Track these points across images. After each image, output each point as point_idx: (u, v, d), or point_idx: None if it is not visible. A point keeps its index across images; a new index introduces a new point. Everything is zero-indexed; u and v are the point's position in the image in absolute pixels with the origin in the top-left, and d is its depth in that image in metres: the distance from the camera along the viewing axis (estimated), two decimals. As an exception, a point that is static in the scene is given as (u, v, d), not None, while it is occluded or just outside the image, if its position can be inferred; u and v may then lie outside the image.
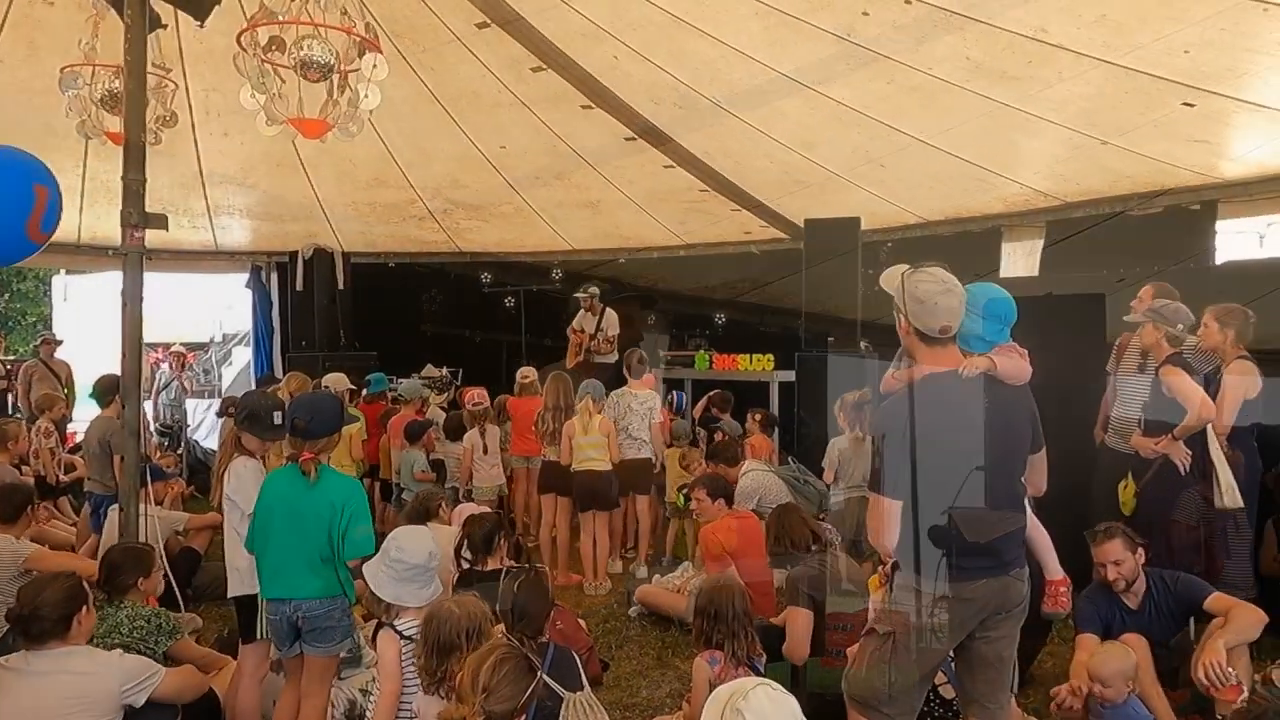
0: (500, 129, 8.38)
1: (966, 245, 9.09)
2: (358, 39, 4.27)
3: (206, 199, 9.78)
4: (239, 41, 4.23)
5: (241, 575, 3.46)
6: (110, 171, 8.02)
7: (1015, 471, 2.73)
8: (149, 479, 4.68)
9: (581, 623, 4.70)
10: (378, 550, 3.30)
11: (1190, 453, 4.23)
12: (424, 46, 7.16)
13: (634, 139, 8.26)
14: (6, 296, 23.29)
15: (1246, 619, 3.58)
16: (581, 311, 10.10)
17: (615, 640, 5.10)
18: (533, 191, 9.81)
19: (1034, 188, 8.00)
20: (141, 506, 4.58)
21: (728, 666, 3.41)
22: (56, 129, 7.00)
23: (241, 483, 3.46)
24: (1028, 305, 3.03)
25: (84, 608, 3.20)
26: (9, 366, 10.13)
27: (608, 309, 9.93)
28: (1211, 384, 4.45)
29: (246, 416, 3.54)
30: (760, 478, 6.02)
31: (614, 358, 9.61)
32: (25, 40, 6.89)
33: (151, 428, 10.46)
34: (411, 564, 3.10)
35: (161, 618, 3.79)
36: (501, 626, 3.07)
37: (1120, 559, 3.80)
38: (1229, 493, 4.16)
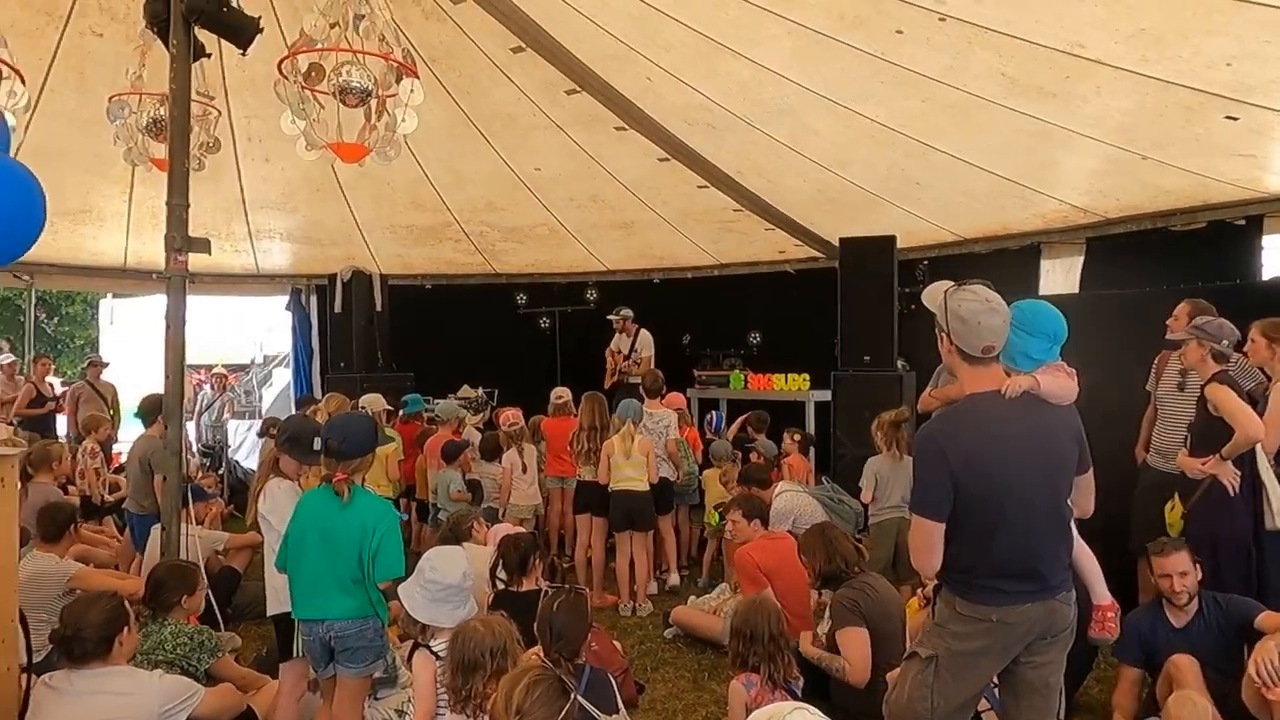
0: (535, 151, 8.46)
1: (1004, 262, 9.00)
2: (395, 65, 4.34)
3: (248, 223, 9.97)
4: (280, 69, 4.32)
5: (279, 594, 3.49)
6: (155, 197, 8.22)
7: (1061, 493, 2.67)
8: (189, 499, 4.75)
9: (616, 644, 4.67)
10: (409, 572, 3.31)
11: (1239, 473, 4.12)
12: (460, 71, 7.26)
13: (667, 159, 8.30)
14: (56, 320, 23.87)
15: None
16: (616, 334, 10.19)
17: (651, 662, 5.05)
18: (567, 213, 9.88)
19: (1072, 204, 7.89)
20: (183, 526, 4.65)
21: (764, 689, 3.37)
22: (105, 156, 7.21)
23: (276, 503, 3.50)
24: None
25: (125, 629, 3.25)
26: (56, 390, 10.35)
27: (642, 330, 9.99)
28: (1259, 401, 4.34)
29: (288, 439, 3.59)
30: (794, 499, 5.96)
31: None
32: (75, 71, 7.09)
33: (194, 448, 10.64)
34: (445, 584, 3.11)
35: (204, 635, 3.84)
36: (536, 649, 3.05)
37: (1186, 570, 3.76)
38: (1281, 513, 4.05)
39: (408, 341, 10.73)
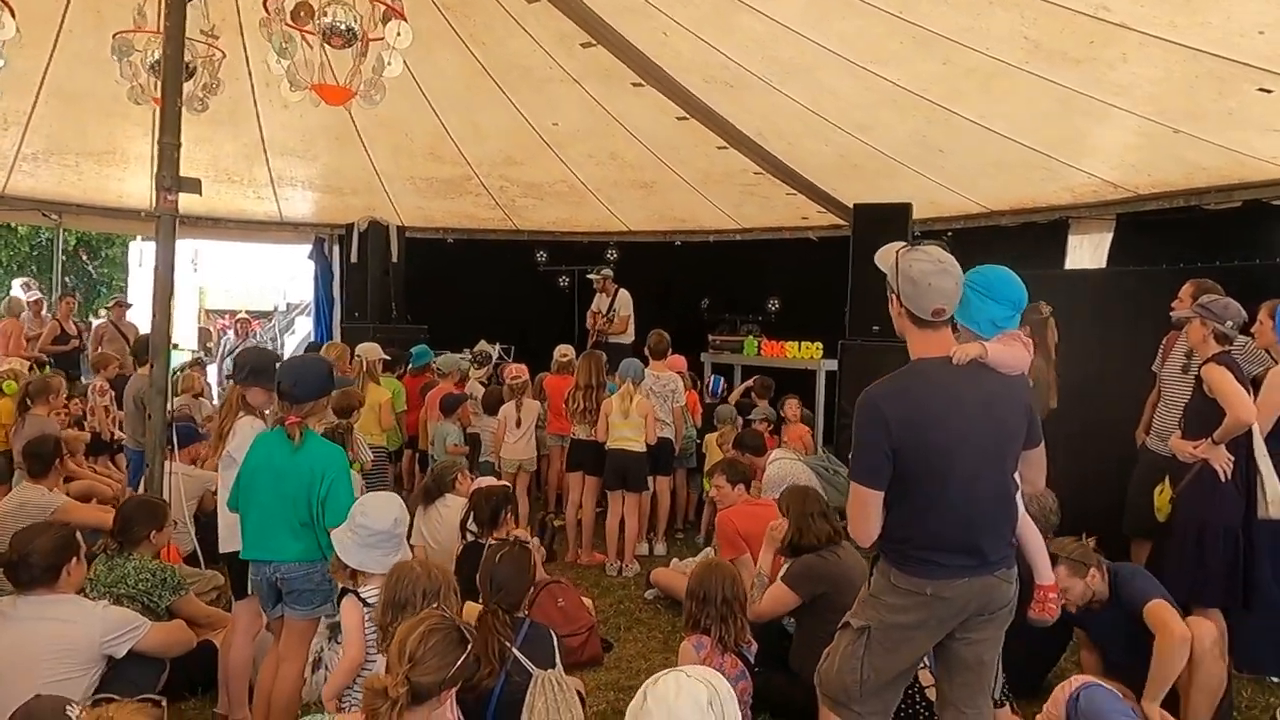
0: (552, 105, 8.35)
1: (1031, 236, 8.76)
2: (384, 6, 4.26)
3: (269, 169, 10.00)
4: (265, 6, 4.27)
5: (231, 532, 3.51)
6: (185, 141, 8.27)
7: (1007, 467, 2.56)
8: (174, 438, 4.79)
9: (587, 601, 4.65)
10: None
11: (1233, 458, 3.95)
12: (474, 19, 7.15)
13: (686, 118, 8.15)
14: (96, 263, 24.30)
15: (1165, 655, 3.39)
16: (597, 294, 10.15)
17: (626, 621, 5.03)
18: (586, 170, 9.78)
19: (1103, 178, 7.63)
20: (168, 464, 4.70)
21: (714, 652, 3.33)
22: (125, 97, 7.25)
23: (245, 440, 3.49)
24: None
25: (74, 559, 3.28)
26: (80, 327, 10.53)
27: (621, 290, 9.97)
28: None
29: (250, 372, 3.57)
30: (788, 466, 5.87)
31: (629, 338, 9.63)
32: (93, 10, 7.11)
33: (214, 392, 10.80)
34: (375, 530, 3.08)
35: (167, 572, 3.87)
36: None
37: (1066, 586, 3.56)
38: (1275, 503, 3.88)
39: (426, 294, 10.74)
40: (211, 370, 11.77)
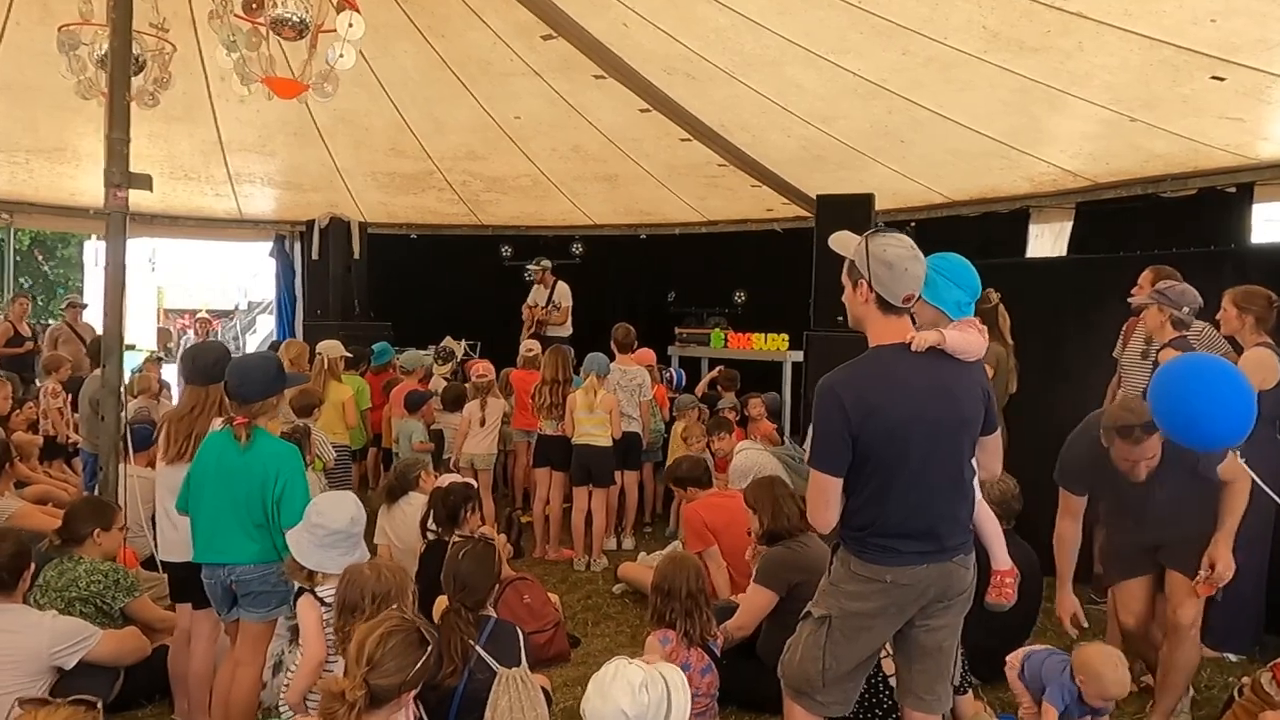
0: (514, 98, 8.27)
1: (992, 226, 8.83)
2: (336, -2, 4.19)
3: (228, 166, 9.83)
4: (213, -2, 4.17)
5: (170, 540, 3.45)
6: (139, 138, 8.10)
7: (964, 453, 2.57)
8: (130, 440, 4.68)
9: (553, 597, 4.62)
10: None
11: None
12: (432, 12, 7.06)
13: (648, 110, 8.10)
14: (51, 263, 23.82)
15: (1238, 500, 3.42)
16: (536, 286, 10.13)
17: (594, 616, 5.01)
18: (550, 164, 9.71)
19: (1063, 167, 7.70)
20: (123, 467, 4.59)
21: (680, 646, 3.31)
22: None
23: None
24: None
25: (30, 565, 3.19)
26: (34, 329, 10.29)
27: (559, 282, 9.99)
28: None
29: (192, 371, 3.51)
30: (755, 456, 5.87)
31: (567, 331, 9.65)
32: (39, 2, 6.92)
33: (174, 392, 10.60)
34: (332, 530, 3.02)
35: (120, 574, 3.78)
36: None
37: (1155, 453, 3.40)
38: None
39: (390, 291, 10.64)
40: (171, 370, 11.54)
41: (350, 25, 4.13)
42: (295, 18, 4.02)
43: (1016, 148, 7.43)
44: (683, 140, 8.64)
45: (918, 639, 2.57)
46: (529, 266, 10.22)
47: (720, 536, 4.76)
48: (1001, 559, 2.81)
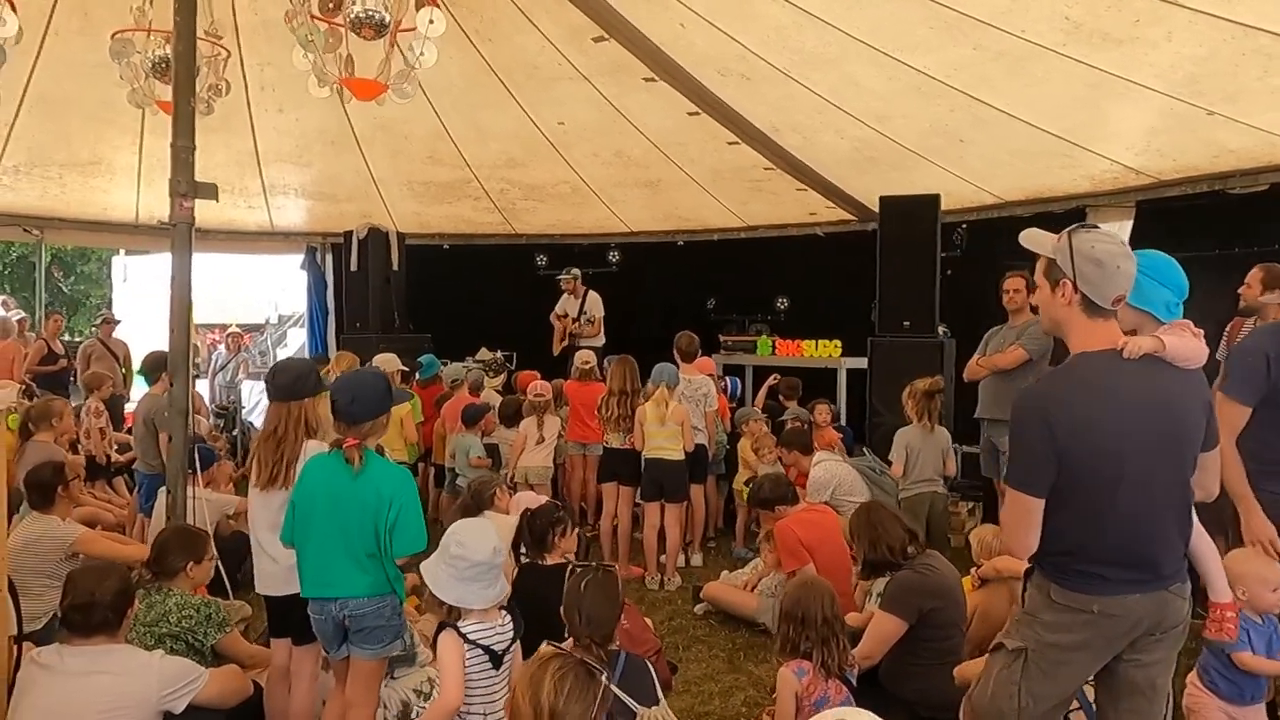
0: (559, 104, 8.10)
1: (1045, 227, 8.54)
2: (415, -6, 3.99)
3: (262, 177, 9.68)
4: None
5: (269, 573, 3.24)
6: (166, 148, 7.91)
7: (1185, 471, 2.32)
8: (198, 461, 4.48)
9: (648, 622, 4.39)
10: (429, 546, 3.02)
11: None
12: (481, 16, 6.89)
13: (697, 113, 7.92)
14: (71, 279, 23.72)
15: None
16: (564, 295, 9.91)
17: (683, 640, 4.77)
18: (591, 170, 9.53)
19: (1125, 164, 7.48)
20: (190, 489, 4.40)
21: (817, 678, 3.07)
22: (114, 104, 6.89)
23: None
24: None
25: (134, 603, 3.00)
26: (65, 346, 10.12)
27: (590, 291, 9.75)
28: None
29: (277, 388, 3.31)
30: (834, 468, 5.65)
31: (600, 341, 9.42)
32: (79, 11, 6.78)
33: (208, 409, 10.43)
34: (474, 561, 2.80)
35: (212, 608, 3.57)
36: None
37: None
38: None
39: (425, 302, 10.46)
40: (203, 386, 11.38)
41: (431, 22, 3.94)
42: (376, 16, 3.83)
43: (1080, 144, 7.21)
44: (730, 143, 8.46)
45: (1127, 675, 2.33)
46: (559, 277, 9.97)
47: (815, 553, 4.54)
48: (1221, 589, 2.57)
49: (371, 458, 3.01)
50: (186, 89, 4.31)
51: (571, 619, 2.86)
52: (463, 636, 2.77)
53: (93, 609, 2.91)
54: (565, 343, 9.73)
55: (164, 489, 4.63)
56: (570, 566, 3.27)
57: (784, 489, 4.83)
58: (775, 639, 3.39)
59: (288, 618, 3.19)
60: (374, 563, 2.96)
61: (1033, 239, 2.43)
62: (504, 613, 2.95)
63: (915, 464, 5.37)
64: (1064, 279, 2.31)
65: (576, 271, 9.97)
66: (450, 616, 2.82)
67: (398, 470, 3.11)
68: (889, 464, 5.79)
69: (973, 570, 4.17)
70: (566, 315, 9.91)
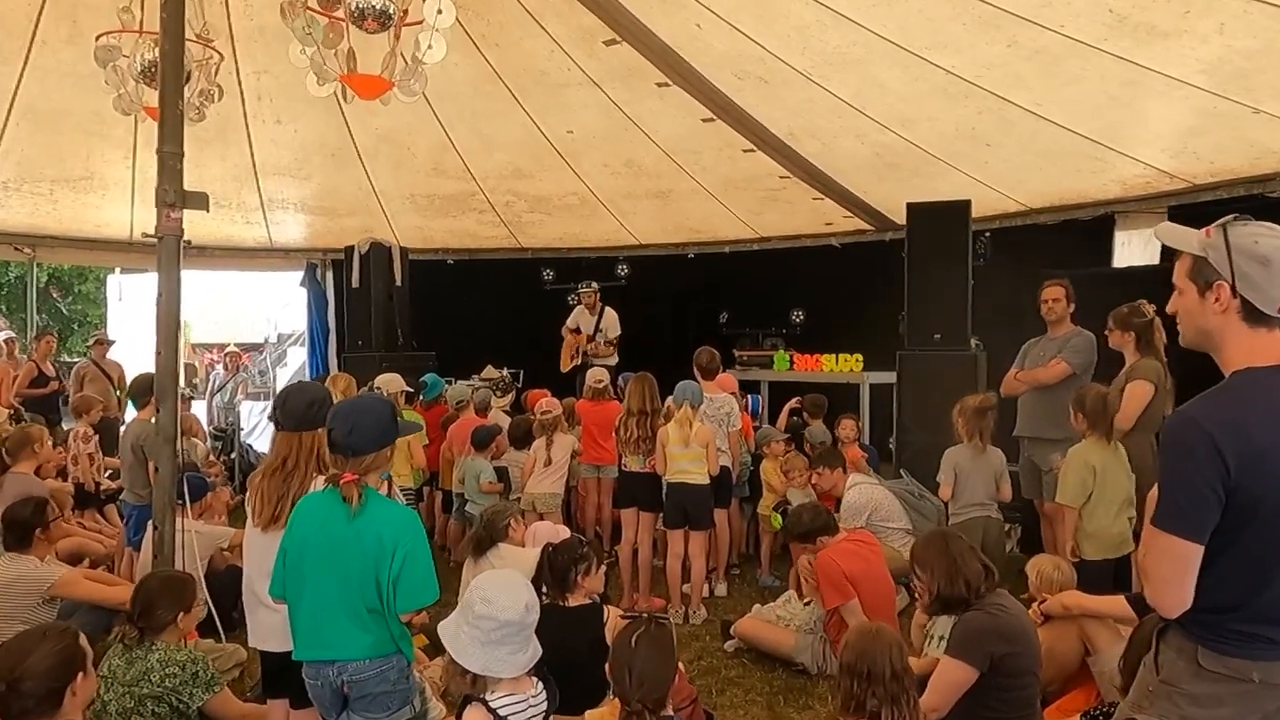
0: (568, 111, 7.79)
1: (1073, 234, 8.30)
2: (421, -16, 3.68)
3: (260, 191, 9.37)
4: (286, -12, 3.67)
5: (260, 626, 2.89)
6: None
7: None
8: (187, 493, 4.14)
9: (680, 667, 4.02)
10: (439, 597, 2.64)
11: None
12: (488, 20, 6.58)
13: (712, 120, 7.62)
14: (70, 299, 23.41)
15: None
16: (579, 309, 9.54)
17: (715, 683, 4.37)
18: (600, 181, 9.22)
19: (1158, 167, 7.18)
20: (179, 522, 4.06)
21: (885, 739, 2.72)
22: (104, 115, 6.59)
23: None
24: None
25: (80, 673, 2.54)
26: (57, 368, 9.79)
27: (607, 308, 9.37)
28: None
29: (284, 416, 2.96)
30: (870, 491, 5.30)
31: (613, 361, 9.05)
32: (67, 20, 6.48)
33: (205, 432, 10.09)
34: (503, 621, 2.40)
35: (199, 665, 3.21)
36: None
37: None
38: None
39: (428, 319, 10.12)
40: (199, 407, 11.03)
41: (440, 12, 3.62)
42: (378, 6, 3.51)
43: (1113, 148, 6.91)
44: (745, 151, 8.16)
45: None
46: (579, 290, 9.61)
47: (860, 587, 4.18)
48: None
49: (373, 496, 2.64)
50: (174, 92, 4.00)
51: (620, 679, 2.49)
52: (492, 713, 2.37)
53: (16, 693, 2.45)
54: (577, 361, 9.36)
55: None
56: (627, 618, 2.84)
57: (824, 519, 4.46)
58: (836, 695, 3.02)
59: (286, 676, 2.81)
60: (376, 619, 2.58)
61: (1173, 235, 2.08)
62: (537, 680, 2.55)
63: (966, 486, 4.99)
64: (1218, 281, 1.94)
65: (596, 285, 9.58)
66: (475, 687, 2.42)
67: (402, 512, 2.73)
68: (927, 487, 5.45)
69: (1034, 606, 3.81)
70: (579, 330, 9.53)
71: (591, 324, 9.47)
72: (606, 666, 2.55)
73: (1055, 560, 4.01)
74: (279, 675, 2.95)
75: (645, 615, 2.78)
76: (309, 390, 3.22)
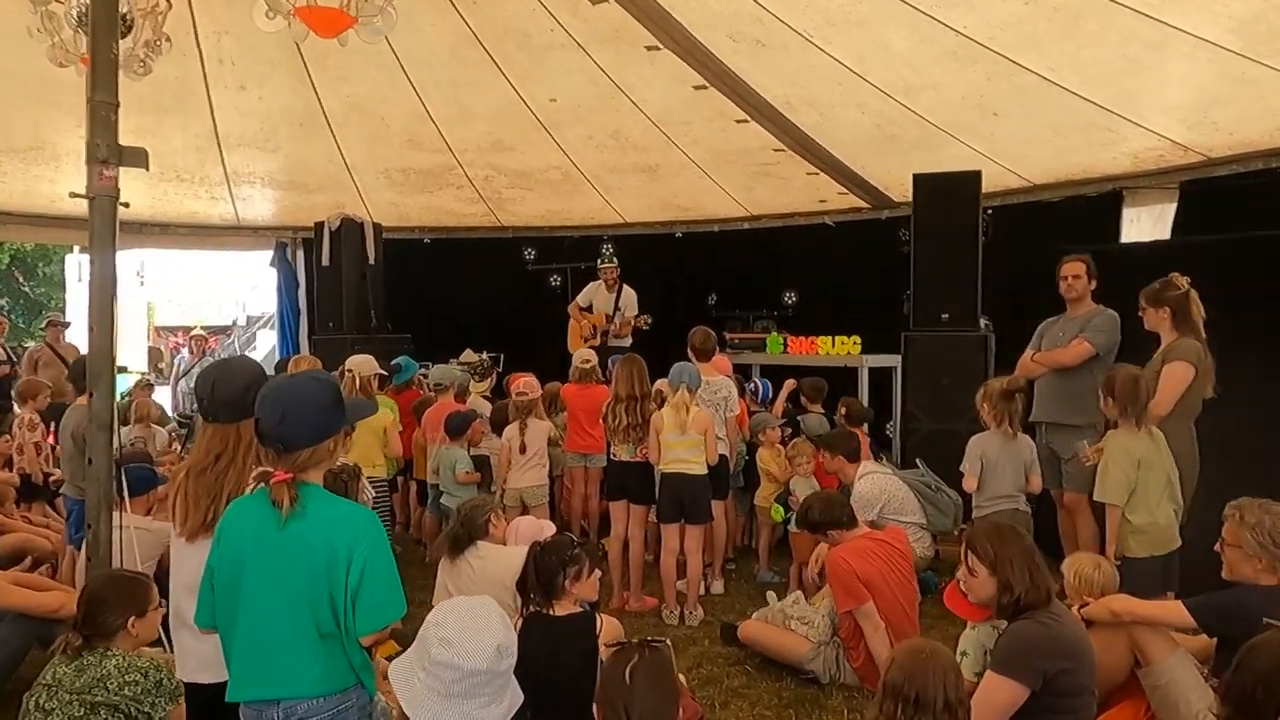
0: (551, 77, 7.33)
1: (1079, 212, 7.94)
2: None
3: (224, 164, 8.85)
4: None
5: (188, 654, 2.45)
6: (123, 133, 7.10)
7: None
8: (126, 485, 3.69)
9: (681, 679, 3.63)
10: (406, 610, 2.16)
11: None
12: (466, -26, 6.11)
13: (704, 87, 7.18)
14: (34, 281, 22.68)
15: None
16: (596, 285, 8.98)
17: (718, 693, 3.97)
18: (584, 154, 8.77)
19: (1173, 139, 6.81)
20: (117, 518, 3.61)
21: (932, 776, 2.33)
22: (52, 79, 6.06)
23: None
24: None
25: None
26: (9, 352, 9.23)
27: (625, 286, 8.85)
28: None
29: (214, 404, 2.53)
30: (883, 482, 4.92)
31: (628, 343, 8.58)
32: (7, -30, 5.93)
33: (170, 417, 9.60)
34: (467, 670, 1.94)
35: (163, 674, 2.79)
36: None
37: None
38: None
39: (404, 301, 9.69)
40: (164, 394, 10.52)
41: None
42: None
43: (1127, 117, 6.54)
44: (738, 122, 7.73)
45: None
46: (599, 266, 9.00)
47: (875, 589, 3.79)
48: None
49: (315, 495, 2.17)
50: (107, 35, 3.53)
51: (618, 715, 2.07)
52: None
53: None
54: (595, 342, 8.77)
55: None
56: (619, 645, 2.41)
57: (837, 510, 4.05)
58: (867, 711, 2.62)
59: (218, 711, 2.36)
60: (330, 645, 2.12)
61: None
62: None
63: (993, 476, 4.60)
64: None
65: (615, 260, 8.96)
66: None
67: (355, 511, 2.26)
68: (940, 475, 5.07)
69: (1073, 610, 3.42)
70: (591, 309, 8.95)
71: (610, 302, 8.90)
72: (595, 708, 2.12)
73: (1096, 559, 3.63)
74: (211, 712, 2.48)
75: (636, 642, 2.35)
76: (241, 370, 2.70)
